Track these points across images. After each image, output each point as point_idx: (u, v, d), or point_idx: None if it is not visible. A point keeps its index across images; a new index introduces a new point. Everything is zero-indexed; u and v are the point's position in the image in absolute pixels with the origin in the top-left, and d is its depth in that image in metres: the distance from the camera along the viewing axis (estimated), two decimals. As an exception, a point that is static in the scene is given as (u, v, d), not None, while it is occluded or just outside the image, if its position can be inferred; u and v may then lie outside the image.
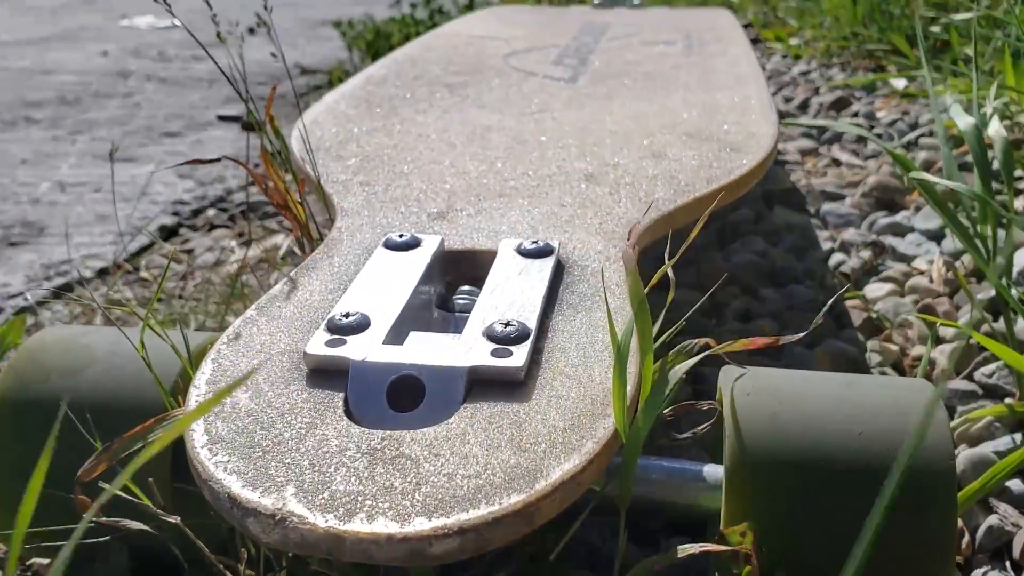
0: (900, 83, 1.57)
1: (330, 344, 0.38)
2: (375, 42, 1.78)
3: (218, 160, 0.51)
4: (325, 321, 0.39)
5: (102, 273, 0.93)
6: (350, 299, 0.42)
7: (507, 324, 0.38)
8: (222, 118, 1.58)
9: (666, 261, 0.39)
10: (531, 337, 0.38)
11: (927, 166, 1.19)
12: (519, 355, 0.36)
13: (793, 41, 2.03)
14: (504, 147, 0.65)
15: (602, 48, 1.03)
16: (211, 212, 1.09)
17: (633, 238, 0.44)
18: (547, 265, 0.45)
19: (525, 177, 0.59)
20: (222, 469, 0.32)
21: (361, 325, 0.39)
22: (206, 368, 0.38)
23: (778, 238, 1.00)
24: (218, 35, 0.52)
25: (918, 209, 1.07)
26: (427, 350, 0.37)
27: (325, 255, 0.48)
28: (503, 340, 0.37)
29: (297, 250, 0.61)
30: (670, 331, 0.39)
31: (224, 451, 0.33)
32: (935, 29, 1.59)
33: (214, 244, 1.01)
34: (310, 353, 0.37)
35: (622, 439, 0.33)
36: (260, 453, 0.33)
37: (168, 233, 1.05)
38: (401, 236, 0.48)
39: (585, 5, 2.19)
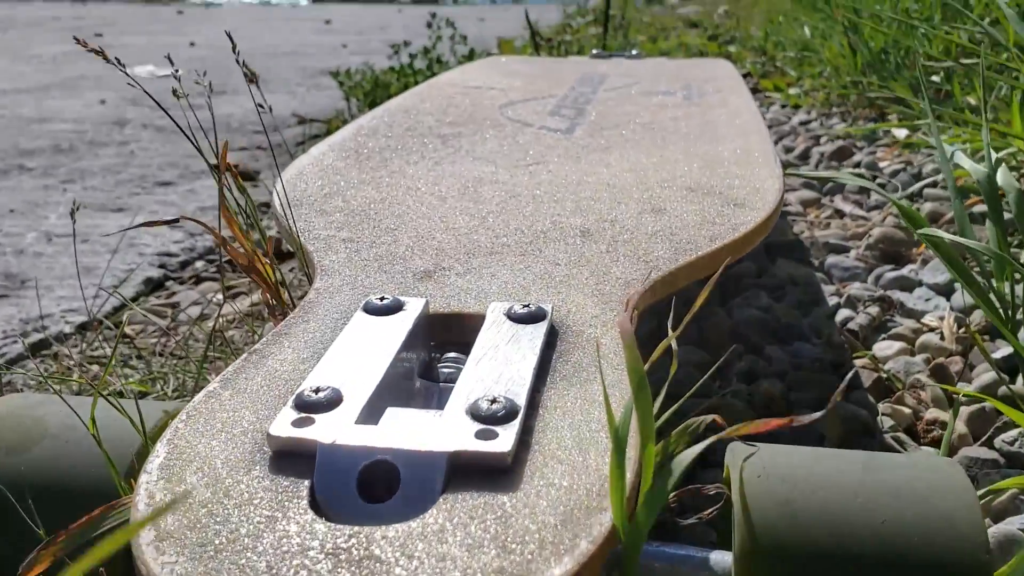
0: (902, 132, 1.55)
1: (297, 424, 0.34)
2: (373, 92, 1.77)
3: (176, 221, 0.48)
4: (293, 397, 0.36)
5: (82, 328, 0.90)
6: (322, 371, 0.38)
7: (493, 401, 0.35)
8: (216, 167, 1.55)
9: (669, 325, 0.36)
10: (520, 416, 0.34)
11: (933, 218, 1.16)
12: (506, 437, 0.33)
13: (792, 91, 2.02)
14: (497, 201, 0.63)
15: (600, 98, 1.01)
16: (199, 264, 1.06)
17: (630, 307, 0.40)
18: (539, 332, 0.41)
19: (518, 233, 0.56)
20: (169, 571, 0.29)
21: (332, 401, 0.35)
22: (160, 451, 0.34)
23: (782, 292, 0.96)
24: (174, 92, 0.49)
25: (925, 262, 1.04)
26: (404, 431, 0.34)
27: (300, 320, 0.44)
28: (489, 419, 0.34)
29: (266, 314, 0.58)
30: (673, 407, 0.36)
31: (173, 549, 0.29)
32: (936, 78, 1.57)
33: (200, 297, 0.98)
34: (274, 435, 0.34)
35: (620, 537, 0.30)
36: (212, 552, 0.29)
37: (154, 286, 1.02)
38: (382, 299, 0.45)
39: (583, 56, 2.19)
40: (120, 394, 0.78)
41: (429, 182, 0.67)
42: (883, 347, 0.83)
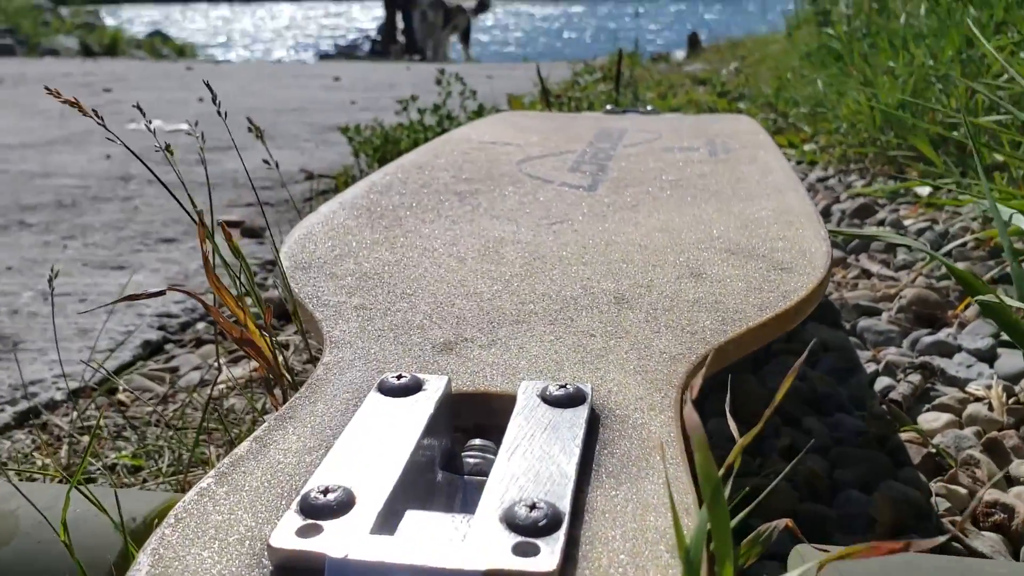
0: (924, 190, 1.51)
1: (302, 532, 0.29)
2: (383, 147, 1.74)
3: (162, 293, 0.44)
4: (298, 498, 0.31)
5: (75, 395, 0.85)
6: (332, 466, 0.33)
7: (532, 506, 0.30)
8: (221, 224, 1.52)
9: (691, 394, 0.31)
10: (564, 525, 0.29)
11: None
12: (549, 553, 0.28)
13: (807, 147, 1.99)
14: (520, 263, 0.58)
15: (620, 154, 0.97)
16: (201, 325, 1.01)
17: (694, 391, 0.35)
18: (579, 417, 0.36)
19: (545, 299, 0.51)
20: None
21: (343, 505, 0.30)
22: (143, 563, 0.29)
23: (815, 358, 0.91)
24: (167, 148, 0.45)
25: (963, 326, 0.99)
26: (428, 543, 0.28)
27: (307, 401, 0.39)
28: (528, 530, 0.29)
29: (267, 396, 0.53)
30: (740, 516, 0.31)
31: None
32: (956, 134, 1.54)
33: (202, 362, 0.93)
34: (276, 546, 0.28)
35: None
36: None
37: (152, 349, 0.97)
38: (400, 378, 0.39)
39: (595, 111, 2.17)
40: (112, 468, 0.72)
41: (446, 242, 0.63)
42: (929, 419, 0.77)
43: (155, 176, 0.51)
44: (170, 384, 0.87)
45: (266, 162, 0.75)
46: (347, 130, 1.77)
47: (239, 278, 0.50)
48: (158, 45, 9.56)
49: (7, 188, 1.76)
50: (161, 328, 1.00)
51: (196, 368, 0.91)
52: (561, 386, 0.38)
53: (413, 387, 0.39)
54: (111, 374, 0.59)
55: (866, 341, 0.97)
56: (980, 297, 0.59)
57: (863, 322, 1.00)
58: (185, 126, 2.73)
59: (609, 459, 0.34)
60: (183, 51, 9.61)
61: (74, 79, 4.25)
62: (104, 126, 0.45)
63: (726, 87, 3.23)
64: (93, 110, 0.45)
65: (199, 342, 0.98)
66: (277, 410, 0.44)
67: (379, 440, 0.35)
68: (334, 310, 0.49)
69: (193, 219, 0.54)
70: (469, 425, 0.40)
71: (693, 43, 6.34)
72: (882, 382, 0.85)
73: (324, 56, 8.96)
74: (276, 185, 1.81)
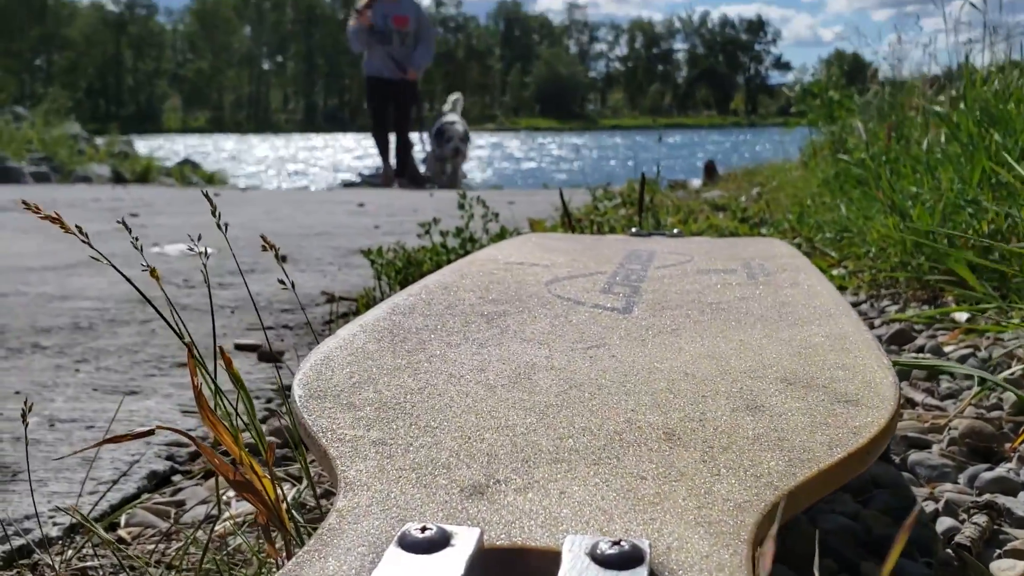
0: (962, 315, 1.46)
1: None
2: (405, 270, 1.72)
3: (151, 432, 0.39)
4: None
5: (72, 531, 0.79)
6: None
7: None
8: (239, 347, 1.48)
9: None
10: None
11: (1022, 409, 1.05)
12: None
13: (836, 271, 1.95)
14: (556, 392, 0.53)
15: (653, 276, 0.93)
16: (210, 454, 0.96)
17: (768, 559, 0.29)
18: (638, 582, 0.31)
19: (586, 434, 0.46)
20: None
21: None
22: None
23: (867, 495, 0.84)
24: (154, 280, 0.41)
25: (1022, 459, 0.92)
26: None
27: (316, 557, 0.34)
28: None
29: (266, 547, 0.47)
30: None
31: None
32: (991, 259, 1.50)
33: (209, 494, 0.87)
34: None
35: None
36: None
37: (159, 481, 0.92)
38: (424, 530, 0.34)
39: (619, 234, 2.16)
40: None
41: (474, 368, 0.58)
42: (1004, 568, 0.70)
43: (153, 308, 0.47)
44: (174, 519, 0.81)
45: (281, 282, 0.72)
46: (369, 253, 1.76)
47: (235, 411, 0.46)
48: (188, 173, 9.86)
49: (24, 311, 1.74)
50: (169, 458, 0.95)
51: (203, 502, 0.85)
52: (614, 542, 0.33)
53: (439, 542, 0.33)
54: (91, 523, 0.54)
55: (919, 476, 0.90)
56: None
57: (913, 455, 0.94)
58: (209, 250, 2.75)
59: (677, 636, 0.29)
60: (212, 179, 9.90)
61: (102, 204, 4.35)
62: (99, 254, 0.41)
63: (747, 213, 3.24)
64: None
65: (208, 473, 0.93)
66: (278, 565, 0.39)
67: (401, 609, 0.29)
68: (351, 446, 0.44)
69: (188, 347, 0.50)
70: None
71: (710, 171, 6.45)
72: (944, 523, 0.78)
73: (349, 184, 9.15)
74: (297, 308, 1.79)
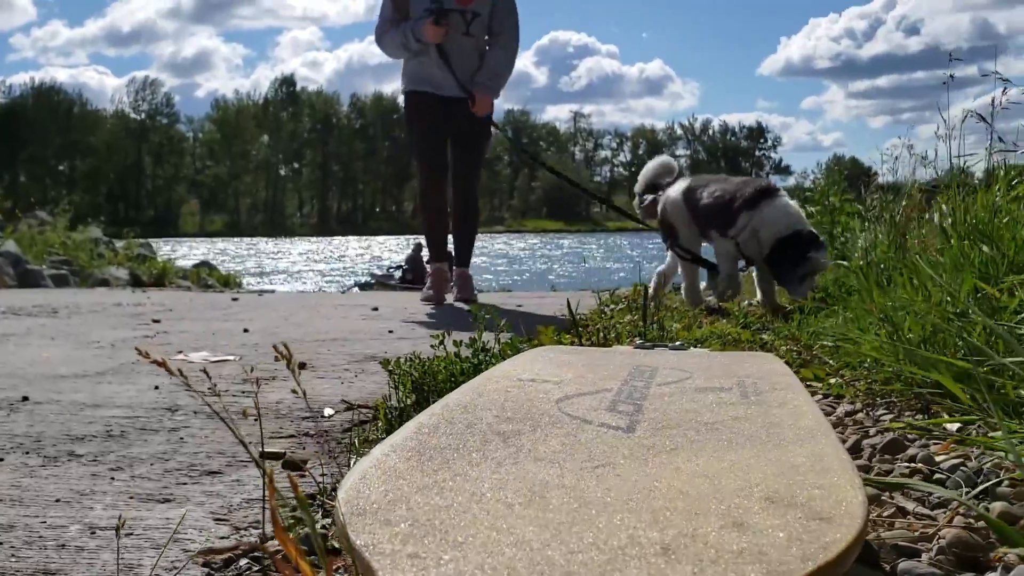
0: (954, 426, 1.52)
1: None
2: (420, 380, 1.81)
3: (236, 548, 0.47)
4: None
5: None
6: None
7: None
8: (264, 455, 1.56)
9: None
10: None
11: (1009, 520, 1.10)
12: None
13: (833, 380, 2.02)
14: (567, 510, 0.60)
15: (655, 393, 1.01)
16: (243, 562, 1.02)
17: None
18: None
19: (593, 549, 0.53)
20: None
21: None
22: None
23: (861, 602, 0.90)
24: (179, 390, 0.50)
25: (1008, 568, 0.98)
26: None
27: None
28: None
29: None
30: None
31: None
32: (981, 371, 1.57)
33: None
34: None
35: None
36: None
37: (194, 587, 0.98)
38: (461, 631, 0.42)
39: (623, 344, 2.24)
40: None
41: (493, 486, 0.66)
42: (987, 672, 0.75)
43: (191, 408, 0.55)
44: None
45: (293, 391, 0.80)
46: (387, 363, 1.84)
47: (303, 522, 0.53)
48: (204, 275, 10.06)
49: (58, 418, 1.82)
50: (205, 565, 1.01)
51: (237, 608, 0.91)
52: (616, 642, 0.40)
53: (474, 641, 0.41)
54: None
55: (910, 584, 0.95)
56: (1015, 550, 0.60)
57: (903, 564, 0.99)
58: (231, 357, 2.85)
59: None
60: (228, 281, 10.09)
61: (124, 309, 4.48)
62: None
63: (748, 319, 3.33)
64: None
65: (245, 580, 0.99)
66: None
67: None
68: (390, 560, 0.52)
69: (258, 463, 0.57)
70: None
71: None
72: (933, 631, 0.84)
73: (363, 286, 9.27)
74: (317, 415, 1.86)
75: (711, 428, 0.80)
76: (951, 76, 2.45)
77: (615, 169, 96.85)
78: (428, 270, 4.86)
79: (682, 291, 4.11)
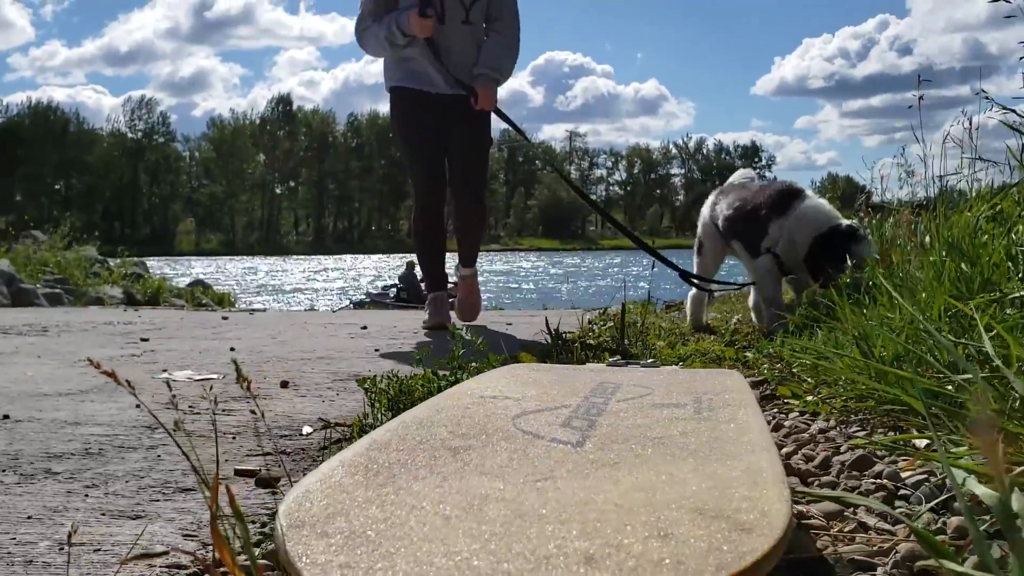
0: (922, 442, 1.54)
1: None
2: (397, 398, 1.82)
3: (166, 553, 0.48)
4: None
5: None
6: None
7: None
8: (239, 472, 1.57)
9: None
10: None
11: (963, 534, 1.12)
12: None
13: (810, 398, 2.04)
14: (501, 521, 0.62)
15: (612, 409, 1.03)
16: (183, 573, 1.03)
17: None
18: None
19: (520, 558, 0.55)
20: None
21: None
22: None
23: (812, 616, 0.91)
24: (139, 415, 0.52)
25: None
26: None
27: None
28: None
29: None
30: None
31: None
32: (951, 388, 1.59)
33: (202, 614, 0.94)
34: None
35: None
36: None
37: (157, 603, 0.99)
38: (370, 636, 0.43)
39: (599, 363, 2.26)
40: None
41: (434, 500, 0.67)
42: None
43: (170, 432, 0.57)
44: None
45: (252, 413, 0.82)
46: (363, 381, 1.86)
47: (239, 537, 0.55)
48: (198, 294, 10.06)
49: (37, 436, 1.83)
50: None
51: (197, 622, 0.92)
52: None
53: (382, 645, 0.42)
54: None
55: (864, 597, 0.97)
56: (948, 565, 0.61)
57: (857, 578, 1.01)
58: (215, 376, 2.86)
59: None
60: (222, 300, 10.09)
61: (115, 328, 4.48)
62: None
63: (734, 337, 3.35)
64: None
65: (203, 594, 1.00)
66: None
67: None
68: (321, 570, 0.54)
69: (203, 479, 0.59)
70: None
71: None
72: (881, 642, 0.85)
73: (357, 304, 9.27)
74: (295, 433, 1.87)
75: (658, 443, 0.82)
76: (920, 97, 2.49)
77: (610, 188, 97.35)
78: (425, 291, 4.34)
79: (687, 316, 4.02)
